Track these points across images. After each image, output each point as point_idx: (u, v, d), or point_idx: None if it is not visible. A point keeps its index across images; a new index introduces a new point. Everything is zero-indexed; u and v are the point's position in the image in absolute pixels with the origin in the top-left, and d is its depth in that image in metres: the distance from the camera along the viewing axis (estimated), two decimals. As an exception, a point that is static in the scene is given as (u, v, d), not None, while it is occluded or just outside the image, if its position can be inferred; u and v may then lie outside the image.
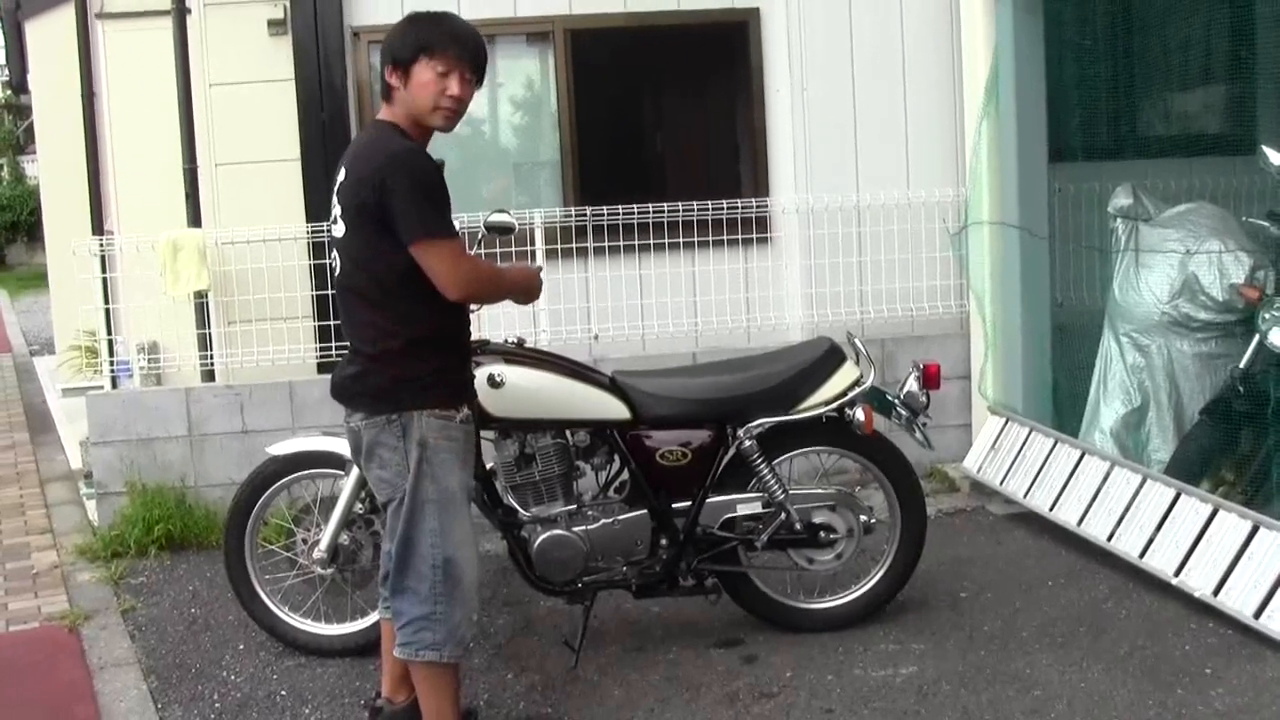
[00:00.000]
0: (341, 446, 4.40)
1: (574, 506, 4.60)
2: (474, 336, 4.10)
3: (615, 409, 4.58)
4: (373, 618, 4.69)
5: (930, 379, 4.87)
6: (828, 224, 7.04)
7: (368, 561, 4.70)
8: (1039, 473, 6.01)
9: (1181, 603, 4.97)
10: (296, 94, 7.01)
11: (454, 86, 3.65)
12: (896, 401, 4.90)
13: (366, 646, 4.73)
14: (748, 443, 4.65)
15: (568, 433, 4.60)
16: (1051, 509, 5.83)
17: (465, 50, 3.67)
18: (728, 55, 7.50)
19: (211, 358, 6.75)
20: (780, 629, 4.89)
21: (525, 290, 4.00)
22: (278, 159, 6.97)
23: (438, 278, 3.58)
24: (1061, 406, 6.45)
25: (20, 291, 22.12)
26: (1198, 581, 4.91)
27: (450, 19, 3.74)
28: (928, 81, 7.27)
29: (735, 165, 7.62)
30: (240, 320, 6.72)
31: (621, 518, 4.62)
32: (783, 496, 4.69)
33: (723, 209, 6.81)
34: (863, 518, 4.81)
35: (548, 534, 4.53)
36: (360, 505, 4.68)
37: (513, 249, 6.47)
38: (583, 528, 4.56)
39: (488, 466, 4.57)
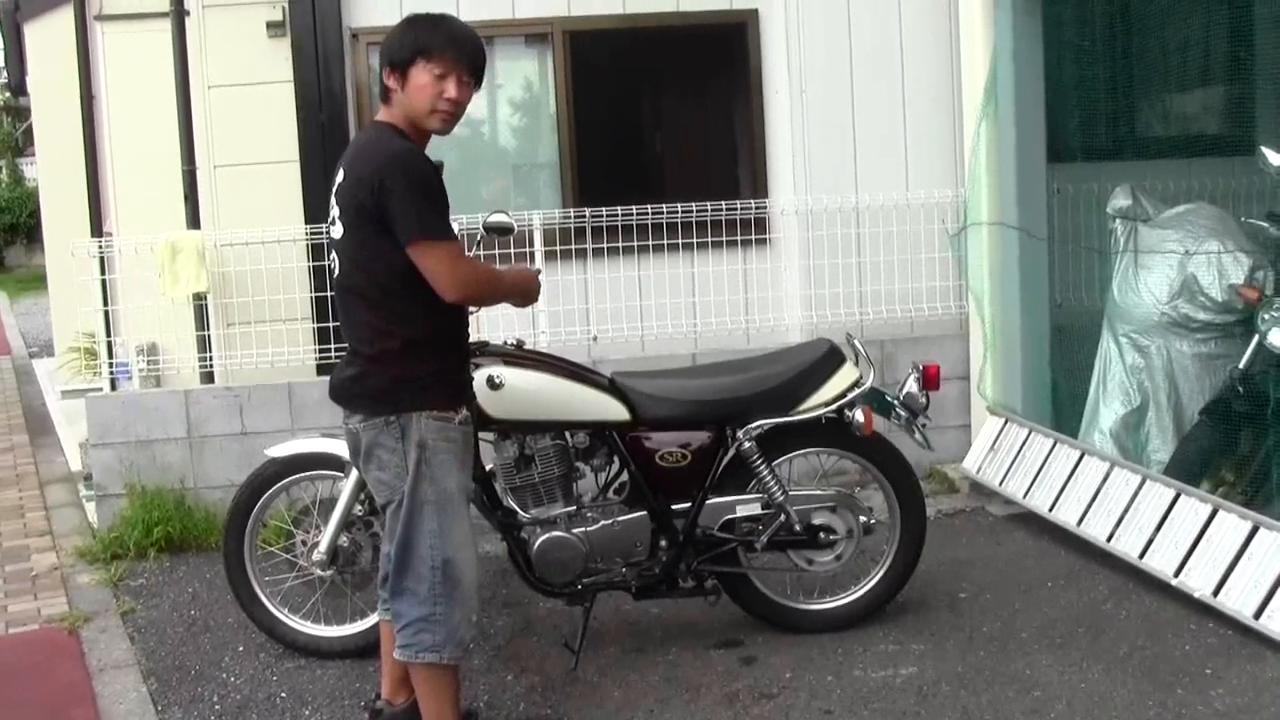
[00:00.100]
0: (341, 448, 4.40)
1: (573, 508, 4.60)
2: (473, 338, 4.10)
3: (615, 410, 4.58)
4: (372, 619, 4.69)
5: (930, 380, 4.88)
6: (827, 225, 7.04)
7: (367, 563, 4.69)
8: (1038, 473, 6.01)
9: (1181, 603, 4.97)
10: (295, 96, 7.01)
11: (451, 89, 3.65)
12: (896, 402, 4.90)
13: (366, 648, 4.73)
14: (747, 444, 4.64)
15: (567, 434, 4.60)
16: (1051, 510, 5.83)
17: (463, 53, 3.67)
18: (726, 57, 7.50)
19: (211, 359, 6.75)
20: (780, 630, 4.89)
21: (523, 292, 3.99)
22: (276, 160, 6.97)
23: (435, 279, 3.58)
24: (1061, 407, 6.45)
25: (19, 293, 22.11)
26: (1197, 582, 4.91)
27: (448, 21, 3.73)
28: (926, 83, 7.27)
29: (734, 167, 7.62)
30: (239, 322, 6.73)
31: (621, 519, 4.62)
32: (782, 498, 4.68)
33: (721, 210, 6.81)
34: (862, 519, 4.81)
35: (547, 535, 4.53)
36: (360, 507, 4.67)
37: (511, 250, 6.47)
38: (582, 529, 4.56)
39: (487, 468, 4.57)
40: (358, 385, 3.71)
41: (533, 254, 6.65)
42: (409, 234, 3.54)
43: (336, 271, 3.78)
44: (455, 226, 3.78)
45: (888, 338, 7.00)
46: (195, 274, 6.56)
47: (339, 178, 3.71)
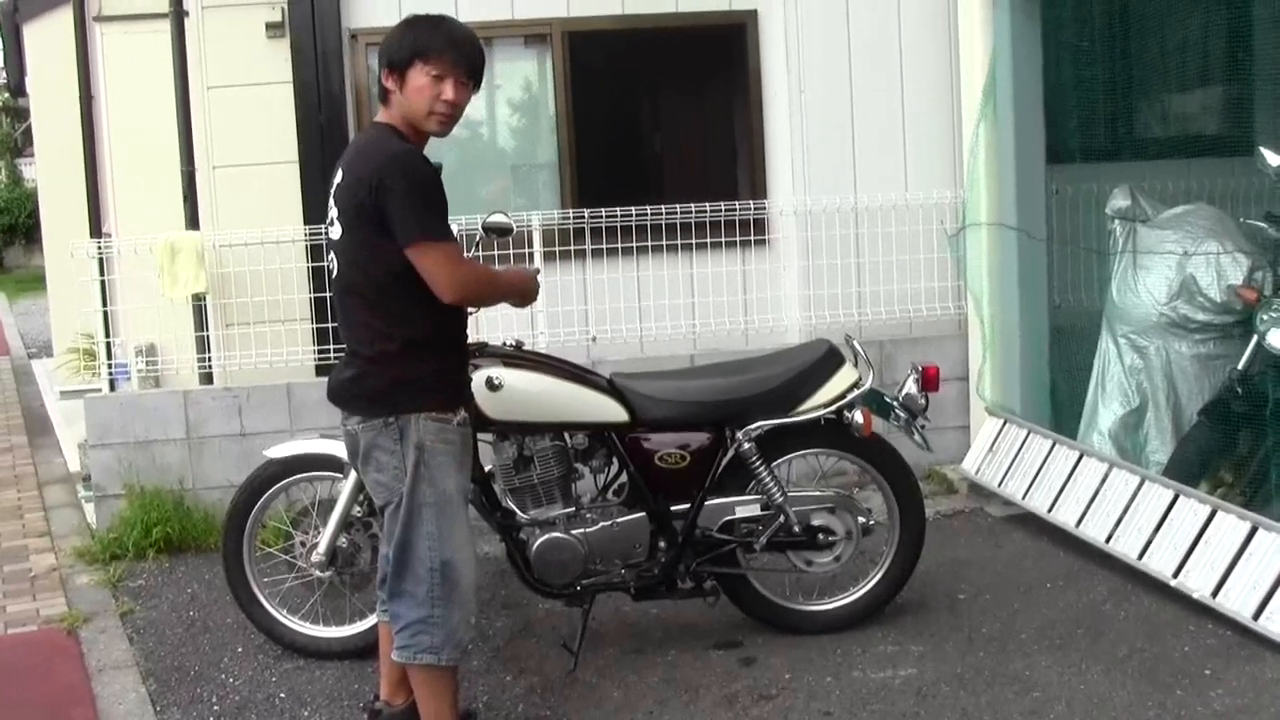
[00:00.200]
0: (340, 449, 4.40)
1: (572, 509, 4.60)
2: (472, 339, 4.10)
3: (614, 411, 4.58)
4: (371, 620, 4.68)
5: (929, 381, 4.88)
6: (826, 226, 7.05)
7: (366, 564, 4.69)
8: (1037, 474, 6.01)
9: (1180, 604, 4.97)
10: (294, 97, 7.00)
11: (449, 91, 3.64)
12: (895, 403, 4.90)
13: (365, 649, 4.73)
14: (746, 445, 4.64)
15: (566, 435, 4.60)
16: (1050, 510, 5.83)
17: (461, 55, 3.66)
18: (726, 57, 7.50)
19: (209, 360, 6.75)
20: (779, 631, 4.89)
21: (522, 293, 3.99)
22: (276, 161, 6.96)
23: (433, 280, 3.57)
24: (1060, 408, 6.45)
25: (18, 294, 22.11)
26: (1196, 583, 4.91)
27: (447, 22, 3.72)
28: (925, 83, 7.27)
29: (733, 167, 7.62)
30: (238, 323, 6.72)
31: (620, 520, 4.62)
32: (781, 499, 4.68)
33: (721, 211, 6.81)
34: (861, 520, 4.81)
35: (546, 536, 4.53)
36: (358, 508, 4.67)
37: (510, 251, 6.47)
38: (581, 530, 4.56)
39: (486, 469, 4.57)
40: (356, 386, 3.71)
41: (532, 255, 6.65)
42: (407, 235, 3.54)
43: (335, 272, 3.78)
44: (454, 228, 3.78)
45: (887, 339, 7.00)
46: (194, 275, 6.56)
47: (338, 178, 3.71)
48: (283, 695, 4.60)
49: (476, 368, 4.32)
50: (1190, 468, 5.58)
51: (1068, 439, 6.05)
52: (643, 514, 4.63)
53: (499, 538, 4.67)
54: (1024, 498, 6.03)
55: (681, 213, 6.72)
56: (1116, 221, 6.21)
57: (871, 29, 7.24)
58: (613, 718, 4.33)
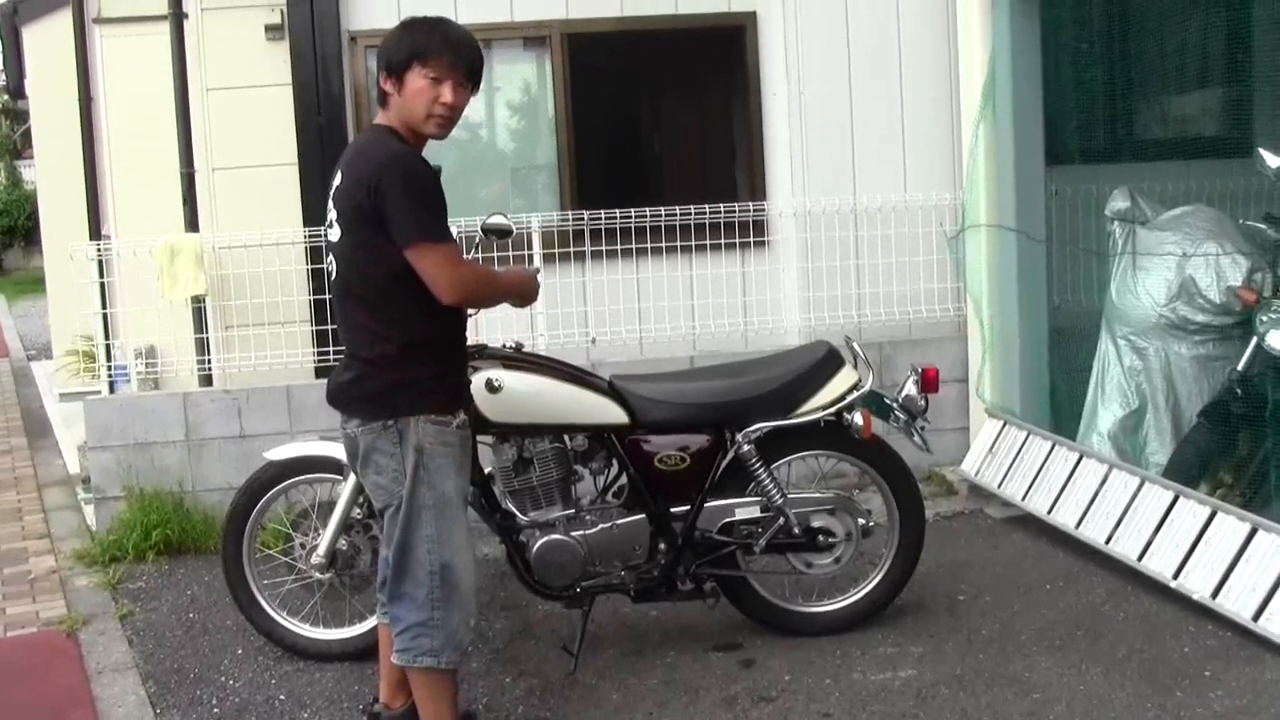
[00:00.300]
0: (339, 451, 4.40)
1: (572, 511, 4.59)
2: (471, 341, 4.09)
3: (613, 413, 4.58)
4: (371, 622, 4.68)
5: (928, 382, 4.88)
6: (825, 227, 7.05)
7: (366, 566, 4.69)
8: (1037, 475, 6.01)
9: (1180, 605, 4.97)
10: (293, 99, 7.01)
11: (447, 94, 3.64)
12: (895, 405, 4.90)
13: (365, 651, 4.73)
14: (746, 447, 4.64)
15: (566, 437, 4.60)
16: (1049, 512, 5.83)
17: (459, 57, 3.65)
18: (725, 59, 7.50)
19: (209, 362, 6.75)
20: (778, 633, 4.89)
21: (522, 293, 3.98)
22: (275, 163, 6.97)
23: (433, 282, 3.57)
24: (1059, 409, 6.45)
25: (17, 296, 22.10)
26: (1196, 584, 4.91)
27: (445, 24, 3.71)
28: (925, 85, 7.28)
29: (732, 169, 7.62)
30: (238, 325, 6.72)
31: (620, 522, 4.62)
32: (781, 500, 4.68)
33: (720, 212, 6.81)
34: (861, 521, 4.81)
35: (546, 538, 4.53)
36: (358, 510, 4.67)
37: (510, 253, 6.47)
38: (581, 532, 4.56)
39: (486, 471, 4.57)
40: (355, 389, 3.71)
41: (531, 256, 6.65)
42: (406, 236, 3.54)
43: (334, 275, 3.78)
44: (454, 229, 3.78)
45: (886, 340, 7.00)
46: (194, 276, 6.56)
47: (336, 181, 3.71)
48: (282, 697, 4.60)
49: (476, 370, 4.32)
50: (1190, 469, 5.58)
51: (1067, 440, 6.05)
52: (642, 516, 4.63)
53: (499, 539, 4.67)
54: (1024, 499, 6.03)
55: (681, 215, 6.72)
56: (1116, 223, 6.21)
57: (871, 31, 7.24)
58: (612, 719, 4.33)
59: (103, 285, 6.72)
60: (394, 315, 3.64)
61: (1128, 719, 4.15)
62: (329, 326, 6.40)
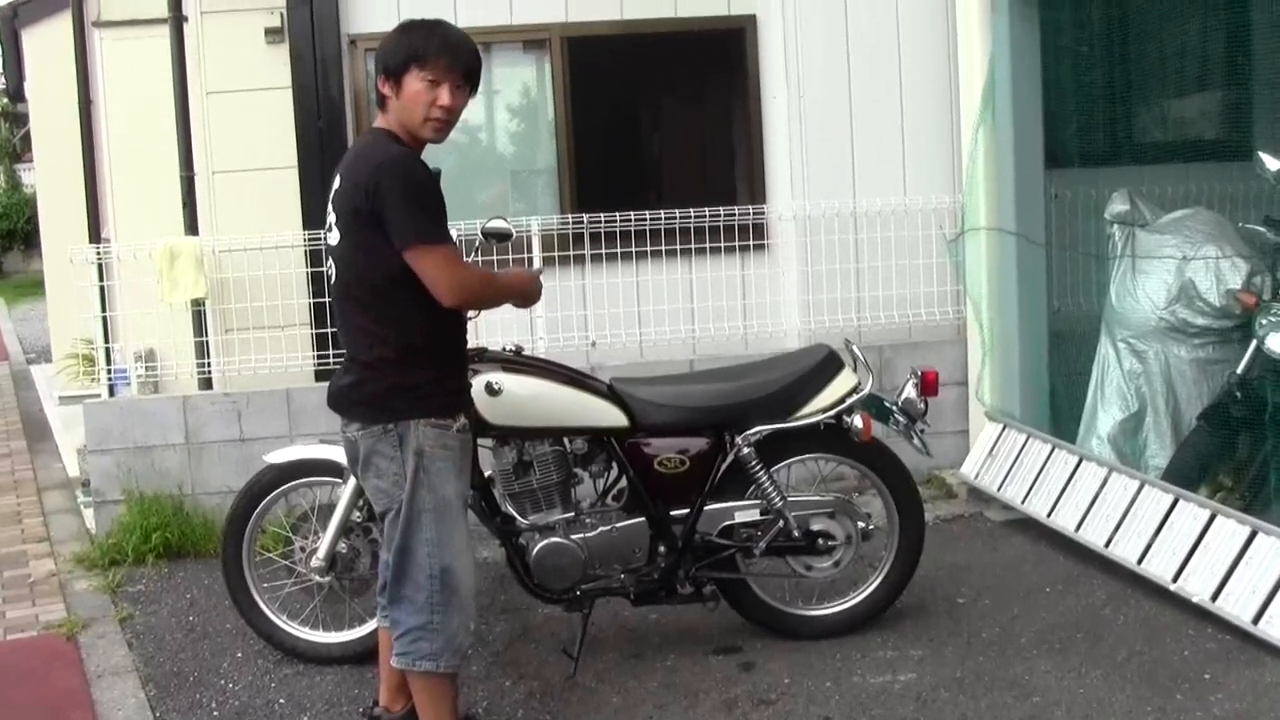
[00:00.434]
0: (339, 454, 4.39)
1: (572, 514, 4.59)
2: (471, 344, 4.09)
3: (613, 416, 4.58)
4: (371, 625, 4.68)
5: (928, 385, 4.87)
6: (825, 230, 7.05)
7: (365, 569, 4.69)
8: (1036, 479, 6.01)
9: (1180, 608, 4.97)
10: (293, 102, 7.01)
11: (445, 96, 3.63)
12: (894, 408, 4.90)
13: (364, 654, 4.73)
14: (746, 450, 4.64)
15: (566, 440, 4.60)
16: (1049, 515, 5.83)
17: (457, 59, 3.65)
18: (725, 62, 7.51)
19: (209, 365, 6.75)
20: (778, 636, 4.88)
21: (523, 293, 3.98)
22: (275, 167, 6.97)
23: (432, 284, 3.57)
24: (1059, 412, 6.45)
25: (17, 299, 22.11)
26: (1196, 587, 4.91)
27: (442, 27, 3.71)
28: (924, 88, 7.28)
29: (732, 172, 7.62)
30: (237, 328, 6.73)
31: (620, 525, 4.61)
32: (781, 504, 4.68)
33: (720, 216, 6.82)
34: (861, 524, 4.80)
35: (546, 541, 4.53)
36: (358, 513, 4.67)
37: (510, 256, 6.47)
38: (581, 535, 4.56)
39: (486, 474, 4.57)
40: (355, 393, 3.71)
41: (530, 260, 6.65)
42: (405, 239, 3.53)
43: (333, 278, 3.78)
44: (453, 232, 3.77)
45: (886, 343, 7.00)
46: (193, 280, 6.56)
47: (336, 184, 3.71)
48: (282, 700, 4.60)
49: (476, 373, 4.31)
50: (1190, 472, 5.58)
51: (1067, 443, 6.05)
52: (642, 519, 4.63)
53: (498, 543, 4.67)
54: (1023, 502, 6.03)
55: (681, 218, 6.73)
56: (1115, 226, 6.22)
57: (870, 34, 7.24)
58: (612, 723, 4.34)
59: (102, 288, 6.73)
60: (393, 318, 3.64)
61: (1128, 722, 4.16)
62: (329, 330, 6.41)
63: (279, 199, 6.92)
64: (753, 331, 7.05)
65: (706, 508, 4.66)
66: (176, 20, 6.98)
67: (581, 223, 6.74)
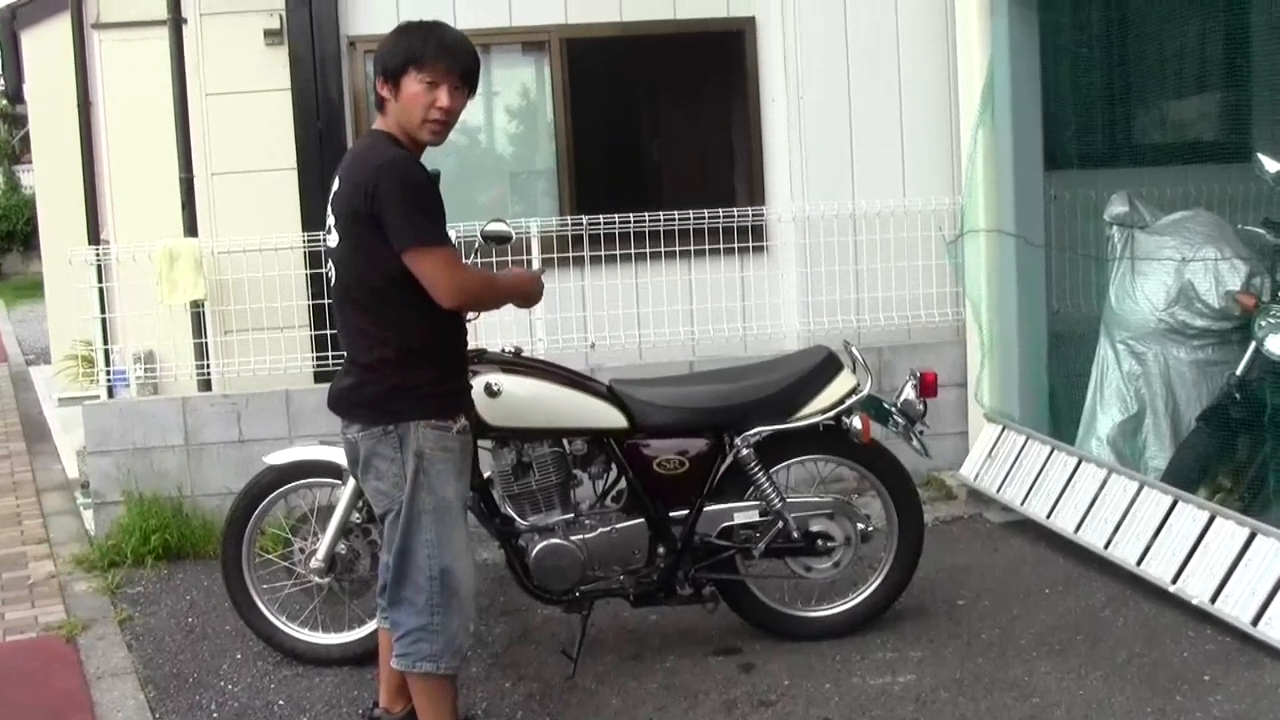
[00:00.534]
0: (338, 455, 4.40)
1: (571, 515, 4.59)
2: (470, 345, 4.09)
3: (613, 418, 4.58)
4: (370, 626, 4.68)
5: (927, 387, 4.88)
6: (824, 232, 7.05)
7: (365, 570, 4.69)
8: (1036, 480, 6.01)
9: (1179, 610, 4.97)
10: (293, 103, 7.01)
11: (443, 98, 3.63)
12: (893, 409, 4.90)
13: (364, 656, 4.73)
14: (745, 451, 4.65)
15: (565, 441, 4.60)
16: (1049, 516, 5.83)
17: (455, 61, 3.65)
18: (724, 64, 7.51)
19: (208, 367, 6.75)
20: (778, 637, 4.88)
21: (524, 294, 3.97)
22: (274, 168, 6.97)
23: (431, 285, 3.57)
24: (1058, 414, 6.46)
25: (16, 301, 22.11)
26: (1195, 588, 4.91)
27: (440, 29, 3.71)
28: (924, 90, 7.28)
29: (731, 174, 7.62)
30: (237, 329, 6.72)
31: (619, 526, 4.61)
32: (780, 505, 4.68)
33: (719, 217, 6.82)
34: (860, 526, 4.80)
35: (545, 543, 4.53)
36: (357, 514, 4.67)
37: (509, 258, 6.47)
38: (580, 536, 4.56)
39: (485, 475, 4.57)
40: (355, 394, 3.71)
41: (530, 261, 6.65)
42: (404, 241, 3.53)
43: (333, 280, 3.78)
44: (453, 234, 3.77)
45: (885, 345, 7.00)
46: (193, 281, 6.56)
47: (335, 186, 3.71)
48: (281, 702, 4.59)
49: (475, 374, 4.31)
50: (1189, 473, 5.58)
51: (1066, 445, 6.05)
52: (641, 520, 4.63)
53: (498, 544, 4.67)
54: (1023, 504, 6.03)
55: (680, 220, 6.73)
56: (1114, 227, 6.22)
57: (869, 35, 7.25)
58: (612, 724, 4.34)
59: (101, 290, 6.72)
60: (392, 320, 3.64)
61: (1127, 723, 4.16)
62: (328, 331, 6.41)
63: (278, 201, 6.92)
64: (752, 333, 7.05)
65: (706, 509, 4.66)
66: (175, 22, 6.98)
67: (581, 224, 6.74)
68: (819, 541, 4.76)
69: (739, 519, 4.70)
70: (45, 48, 10.74)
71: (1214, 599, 4.81)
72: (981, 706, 4.30)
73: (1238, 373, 5.56)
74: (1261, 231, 5.82)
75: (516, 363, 4.58)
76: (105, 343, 6.98)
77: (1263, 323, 5.43)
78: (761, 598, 4.87)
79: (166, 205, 7.08)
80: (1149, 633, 4.85)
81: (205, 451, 6.46)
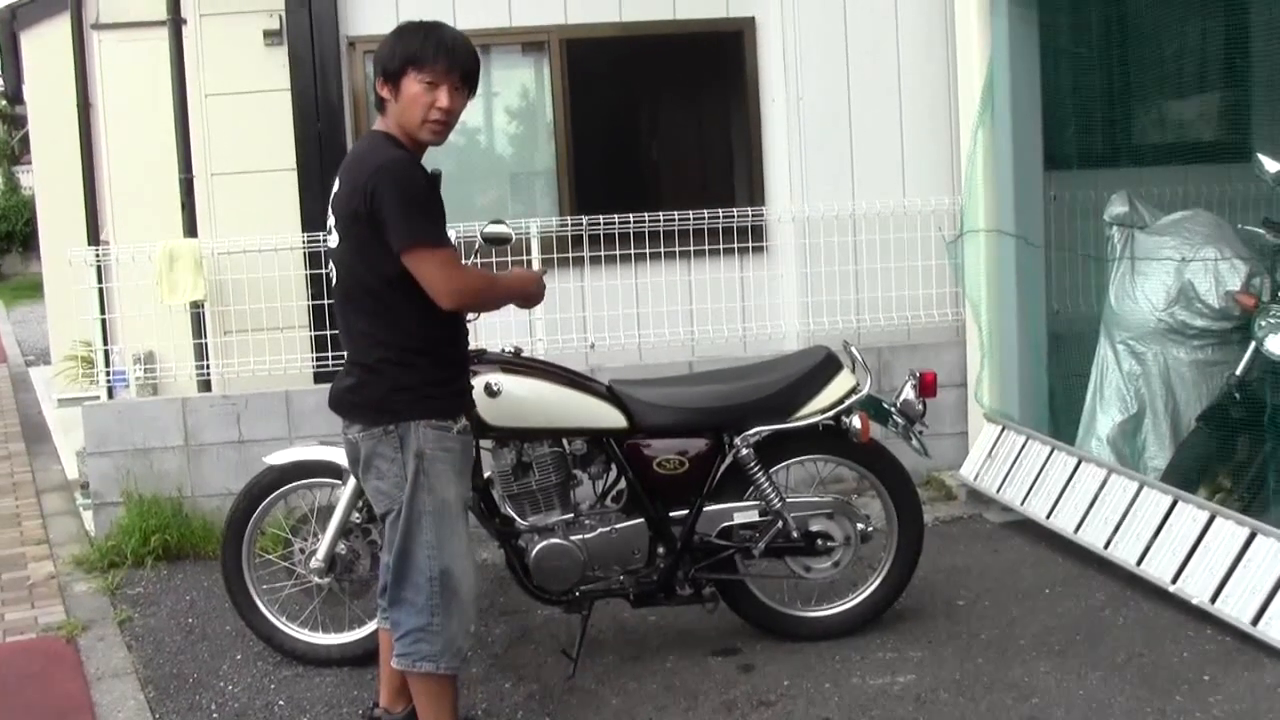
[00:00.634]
0: (338, 456, 4.40)
1: (571, 515, 4.60)
2: (470, 346, 4.09)
3: (612, 418, 4.58)
4: (370, 627, 4.68)
5: (927, 387, 4.88)
6: (823, 232, 7.05)
7: (365, 571, 4.69)
8: (1035, 480, 6.01)
9: (1179, 610, 4.97)
10: (292, 104, 7.02)
11: (443, 99, 3.63)
12: (893, 409, 4.90)
13: (364, 656, 4.73)
14: (745, 451, 4.65)
15: (565, 442, 4.60)
16: (1048, 516, 5.83)
17: (454, 61, 3.64)
18: (723, 65, 7.51)
19: (208, 367, 6.75)
20: (777, 637, 4.88)
21: (524, 294, 3.97)
22: (273, 169, 6.97)
23: (430, 286, 3.57)
24: (1058, 414, 6.45)
25: (15, 301, 22.11)
26: (1195, 588, 4.91)
27: (439, 29, 3.70)
28: (923, 90, 7.28)
29: (731, 174, 7.63)
30: (236, 330, 6.73)
31: (619, 526, 4.62)
32: (780, 505, 4.68)
33: (718, 218, 6.82)
34: (860, 526, 4.80)
35: (545, 543, 4.53)
36: (357, 514, 4.67)
37: (509, 259, 6.47)
38: (580, 537, 4.56)
39: (485, 475, 4.57)
40: (356, 395, 3.71)
41: (529, 262, 6.65)
42: (403, 241, 3.54)
43: (334, 281, 3.78)
44: (452, 235, 3.78)
45: (885, 345, 7.01)
46: (192, 282, 6.56)
47: (335, 187, 3.72)
48: (281, 703, 4.59)
49: (475, 374, 4.31)
50: (1189, 473, 5.58)
51: (1066, 445, 6.05)
52: (641, 520, 4.63)
53: (498, 544, 4.67)
54: (1022, 504, 6.03)
55: (680, 220, 6.73)
56: (1114, 227, 6.22)
57: (869, 36, 7.25)
58: (612, 724, 4.33)
59: (101, 290, 6.72)
60: (393, 321, 3.64)
61: (1127, 723, 4.16)
62: (328, 332, 6.41)
63: (278, 201, 6.93)
64: (751, 333, 7.05)
65: (705, 509, 4.67)
66: (175, 22, 6.98)
67: (580, 225, 6.74)
68: (819, 541, 4.76)
69: (739, 519, 4.70)
70: (45, 48, 10.74)
71: (1214, 599, 4.81)
72: (981, 707, 4.30)
73: (1237, 373, 5.56)
74: (1261, 231, 5.82)
75: (516, 363, 4.58)
76: (105, 343, 6.98)
77: (1262, 323, 5.43)
78: (761, 598, 4.87)
79: (166, 205, 7.08)
80: (1149, 633, 4.85)
81: (205, 452, 6.46)
